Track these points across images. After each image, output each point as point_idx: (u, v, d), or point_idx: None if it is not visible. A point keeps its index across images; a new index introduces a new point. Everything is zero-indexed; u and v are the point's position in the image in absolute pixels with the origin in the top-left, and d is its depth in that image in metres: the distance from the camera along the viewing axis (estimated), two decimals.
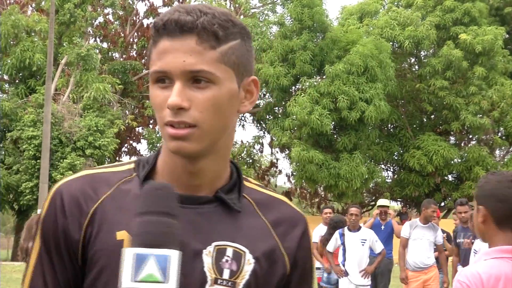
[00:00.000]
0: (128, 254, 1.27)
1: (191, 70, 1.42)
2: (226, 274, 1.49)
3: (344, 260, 10.57)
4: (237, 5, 32.54)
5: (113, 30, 34.90)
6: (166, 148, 1.51)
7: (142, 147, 64.09)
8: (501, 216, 2.70)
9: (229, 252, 1.50)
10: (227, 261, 1.49)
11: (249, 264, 1.51)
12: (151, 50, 1.48)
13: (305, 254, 1.60)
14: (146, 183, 1.50)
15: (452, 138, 32.15)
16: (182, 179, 1.52)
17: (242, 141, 33.49)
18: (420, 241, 10.42)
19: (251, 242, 1.53)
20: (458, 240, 10.05)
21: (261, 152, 34.31)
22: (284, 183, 39.07)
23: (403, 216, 26.20)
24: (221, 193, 1.54)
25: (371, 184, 30.88)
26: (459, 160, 29.59)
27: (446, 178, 30.27)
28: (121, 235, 1.48)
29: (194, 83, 1.44)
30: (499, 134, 31.51)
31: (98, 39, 34.78)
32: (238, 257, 1.50)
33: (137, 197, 1.48)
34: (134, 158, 1.65)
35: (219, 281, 1.48)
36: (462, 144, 31.87)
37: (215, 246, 1.50)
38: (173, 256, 1.29)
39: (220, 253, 1.49)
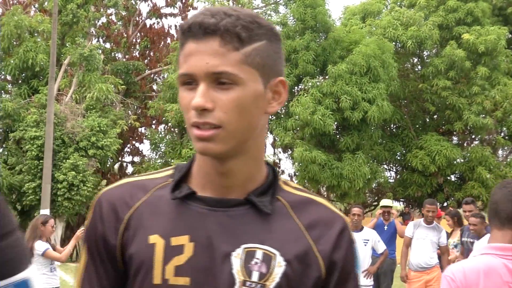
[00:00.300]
0: None
1: (214, 71, 1.44)
2: (255, 277, 1.49)
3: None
4: (239, 5, 32.54)
5: (116, 30, 34.91)
6: (195, 150, 1.54)
7: (145, 148, 64.25)
8: (490, 214, 2.77)
9: (259, 254, 1.50)
10: (256, 263, 1.50)
11: (279, 267, 1.50)
12: (179, 53, 1.52)
13: (343, 255, 1.58)
14: (180, 186, 1.56)
15: (455, 138, 32.11)
16: (214, 180, 1.55)
17: None
18: (422, 241, 10.42)
19: (282, 244, 1.53)
20: (463, 239, 10.05)
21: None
22: None
23: (405, 216, 26.19)
24: (253, 195, 1.55)
25: (374, 184, 30.85)
26: (462, 160, 29.54)
27: (448, 178, 30.22)
28: (153, 239, 1.54)
29: (218, 84, 1.45)
30: (502, 134, 31.47)
31: (101, 40, 34.82)
32: (268, 259, 1.51)
33: (169, 201, 1.56)
34: (174, 164, 1.70)
35: (247, 284, 1.49)
36: (465, 144, 31.83)
37: (244, 248, 1.51)
38: (30, 276, 1.30)
39: (249, 255, 1.50)
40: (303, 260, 1.53)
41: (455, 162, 29.18)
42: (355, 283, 1.63)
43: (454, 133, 31.34)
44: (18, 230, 1.64)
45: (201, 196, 1.56)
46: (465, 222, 10.72)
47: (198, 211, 1.55)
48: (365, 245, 10.45)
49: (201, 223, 1.53)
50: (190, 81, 1.48)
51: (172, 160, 27.01)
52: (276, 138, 29.64)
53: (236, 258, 1.50)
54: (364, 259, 10.47)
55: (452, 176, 30.62)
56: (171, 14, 36.38)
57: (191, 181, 1.59)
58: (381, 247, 10.59)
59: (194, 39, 1.46)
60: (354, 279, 1.62)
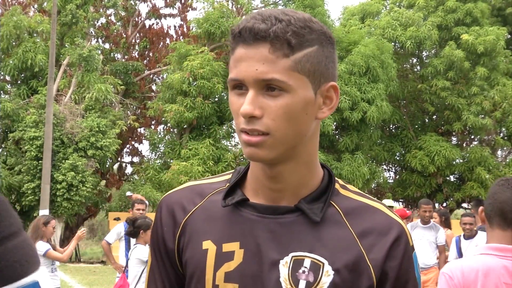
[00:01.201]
0: None
1: (264, 78, 1.42)
2: (302, 285, 1.48)
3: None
4: (239, 6, 32.52)
5: (115, 31, 34.90)
6: (243, 149, 1.54)
7: (144, 148, 64.29)
8: (488, 213, 2.74)
9: (307, 263, 1.49)
10: (304, 272, 1.48)
11: (327, 276, 1.48)
12: (230, 57, 1.50)
13: (397, 264, 1.53)
14: (235, 191, 1.58)
15: (454, 138, 32.14)
16: (265, 186, 1.55)
17: None
18: (419, 241, 10.39)
19: (332, 253, 1.50)
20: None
21: None
22: None
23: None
24: (303, 202, 1.53)
25: (373, 185, 30.85)
26: (461, 161, 29.57)
27: (448, 178, 30.24)
28: (207, 244, 1.56)
29: (267, 91, 1.44)
30: (501, 134, 31.51)
31: (100, 40, 34.80)
32: (316, 268, 1.49)
33: (223, 208, 1.58)
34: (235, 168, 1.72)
35: None
36: (464, 145, 31.86)
37: (292, 256, 1.49)
38: (38, 278, 1.29)
39: (297, 264, 1.49)
40: (353, 269, 1.50)
41: (454, 162, 29.20)
42: None
43: (453, 133, 31.36)
44: (23, 231, 1.62)
45: (253, 202, 1.56)
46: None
47: (249, 217, 1.54)
48: None
49: (251, 230, 1.53)
50: (240, 85, 1.47)
51: (171, 161, 27.02)
52: None
53: (284, 267, 1.49)
54: None
55: (451, 177, 30.65)
56: (170, 15, 36.40)
57: (246, 186, 1.60)
58: None
59: (244, 44, 1.45)
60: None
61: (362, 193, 1.65)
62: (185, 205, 1.62)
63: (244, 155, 1.51)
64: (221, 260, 1.53)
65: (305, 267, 1.49)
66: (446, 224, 11.67)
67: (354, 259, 1.51)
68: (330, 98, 1.54)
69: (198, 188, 1.65)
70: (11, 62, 27.72)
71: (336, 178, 1.64)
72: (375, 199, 1.63)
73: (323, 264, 1.49)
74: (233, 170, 1.68)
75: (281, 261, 1.49)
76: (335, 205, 1.57)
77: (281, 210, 1.53)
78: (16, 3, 31.76)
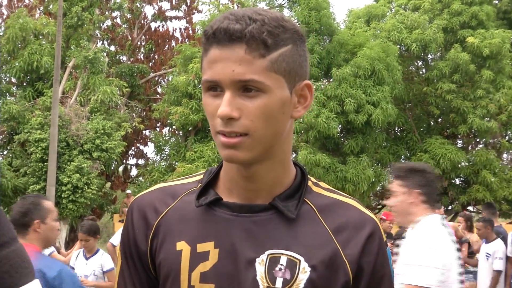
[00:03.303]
0: None
1: (241, 79, 1.42)
2: (279, 283, 1.48)
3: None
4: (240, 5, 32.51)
5: (120, 33, 34.94)
6: (219, 152, 1.53)
7: (149, 150, 64.33)
8: None
9: (283, 260, 1.49)
10: (280, 269, 1.48)
11: (304, 273, 1.48)
12: (203, 58, 1.49)
13: (372, 259, 1.54)
14: (207, 192, 1.57)
15: (459, 141, 32.08)
16: (239, 186, 1.55)
17: None
18: None
19: (307, 250, 1.50)
20: None
21: None
22: None
23: None
24: (278, 200, 1.53)
25: (378, 188, 30.81)
26: (467, 164, 29.51)
27: (453, 181, 30.18)
28: (180, 245, 1.55)
29: (244, 92, 1.44)
30: (507, 137, 31.44)
31: (105, 42, 34.84)
32: (292, 265, 1.49)
33: (196, 208, 1.57)
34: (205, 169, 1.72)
35: None
36: (470, 148, 31.79)
37: (268, 254, 1.49)
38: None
39: (273, 261, 1.49)
40: (329, 265, 1.50)
41: (459, 165, 29.14)
42: (389, 287, 1.59)
43: (459, 136, 31.31)
44: (16, 241, 1.53)
45: (227, 202, 1.55)
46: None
47: (223, 217, 1.54)
48: None
49: (226, 229, 1.52)
50: (215, 87, 1.45)
51: (176, 163, 27.02)
52: None
53: (260, 265, 1.48)
54: None
55: (457, 180, 30.59)
56: (176, 17, 36.40)
57: (219, 186, 1.59)
58: None
59: (218, 45, 1.43)
60: (388, 284, 1.59)
61: (334, 190, 1.65)
62: (157, 206, 1.60)
63: (222, 157, 1.49)
64: (196, 260, 1.52)
65: (282, 265, 1.48)
66: (470, 229, 11.52)
67: (330, 255, 1.51)
68: (305, 96, 1.54)
69: (170, 189, 1.63)
70: (16, 64, 27.77)
71: (308, 176, 1.63)
72: (347, 195, 1.64)
73: (300, 261, 1.49)
74: (204, 171, 1.67)
75: (257, 259, 1.49)
76: (309, 202, 1.57)
77: (256, 208, 1.53)
78: (22, 6, 31.82)
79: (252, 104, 1.43)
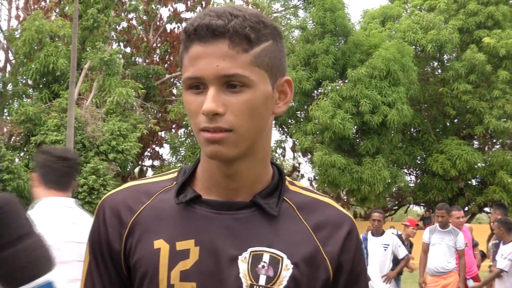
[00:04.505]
0: None
1: (225, 74, 1.41)
2: (262, 280, 1.47)
3: (367, 264, 10.50)
4: (259, 9, 32.55)
5: (136, 35, 35.07)
6: (204, 154, 1.52)
7: (165, 152, 64.46)
8: None
9: (266, 257, 1.48)
10: (263, 267, 1.48)
11: (287, 270, 1.48)
12: (183, 56, 1.48)
13: (351, 257, 1.56)
14: (185, 190, 1.54)
15: (475, 142, 31.95)
16: (219, 183, 1.53)
17: None
18: (438, 245, 10.33)
19: (289, 247, 1.50)
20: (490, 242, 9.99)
21: (283, 156, 34.31)
22: None
23: (426, 221, 26.08)
24: (259, 197, 1.53)
25: (394, 189, 30.75)
26: (483, 165, 29.39)
27: (469, 182, 30.07)
28: (158, 243, 1.51)
29: (228, 87, 1.43)
30: None
31: (121, 44, 34.98)
32: (275, 262, 1.48)
33: (173, 205, 1.53)
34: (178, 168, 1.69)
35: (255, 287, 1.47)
36: (486, 148, 31.66)
37: (250, 252, 1.48)
38: (53, 278, 1.28)
39: (256, 259, 1.48)
40: (311, 263, 1.51)
41: (476, 166, 29.03)
42: (364, 284, 1.61)
43: (475, 137, 31.18)
44: (35, 233, 1.60)
45: (207, 199, 1.53)
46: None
47: (203, 214, 1.52)
48: (385, 249, 10.41)
49: (207, 227, 1.50)
50: (197, 84, 1.44)
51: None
52: (296, 142, 29.62)
53: (243, 262, 1.47)
54: (384, 264, 10.43)
55: (473, 181, 30.47)
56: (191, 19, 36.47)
57: (196, 184, 1.57)
58: (402, 252, 10.54)
59: (200, 42, 1.43)
60: (364, 281, 1.61)
61: (310, 188, 1.65)
62: (131, 205, 1.56)
63: (206, 154, 1.48)
64: (175, 259, 1.49)
65: (265, 262, 1.48)
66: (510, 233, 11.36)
67: (311, 252, 1.51)
68: (285, 92, 1.54)
69: (144, 187, 1.60)
70: (33, 66, 27.93)
71: (285, 175, 1.63)
72: (322, 194, 1.64)
73: (282, 258, 1.49)
74: (177, 169, 1.64)
75: (239, 256, 1.47)
76: (288, 200, 1.57)
77: (237, 205, 1.52)
78: (38, 8, 32.00)
79: (237, 99, 1.42)
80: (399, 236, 12.11)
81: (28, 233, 1.57)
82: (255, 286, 1.47)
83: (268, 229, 1.51)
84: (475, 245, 12.10)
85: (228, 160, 1.47)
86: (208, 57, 1.42)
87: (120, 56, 30.47)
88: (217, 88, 1.42)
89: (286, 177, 1.62)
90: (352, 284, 1.57)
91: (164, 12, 56.44)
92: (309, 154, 30.78)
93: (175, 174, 1.63)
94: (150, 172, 35.65)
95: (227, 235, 1.48)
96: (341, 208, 1.61)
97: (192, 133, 30.34)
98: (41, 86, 29.19)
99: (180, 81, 30.60)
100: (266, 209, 1.52)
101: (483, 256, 12.34)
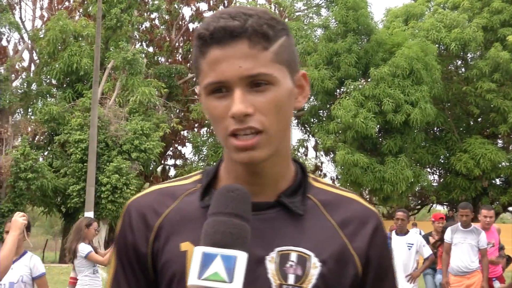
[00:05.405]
0: (197, 253, 1.29)
1: (249, 74, 1.40)
2: (291, 280, 1.46)
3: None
4: (281, 8, 32.54)
5: (159, 34, 35.20)
6: (228, 155, 1.51)
7: (187, 151, 64.59)
8: None
9: (293, 257, 1.47)
10: (291, 266, 1.46)
11: (315, 268, 1.47)
12: (199, 61, 1.45)
13: (378, 252, 1.54)
14: (209, 192, 1.53)
15: (499, 141, 31.71)
16: (245, 183, 1.49)
17: None
18: (461, 245, 10.25)
19: (316, 245, 1.49)
20: None
21: (306, 155, 34.27)
22: None
23: (449, 220, 25.91)
24: (283, 197, 1.52)
25: (417, 188, 30.59)
26: (507, 164, 29.15)
27: (493, 181, 29.85)
28: (185, 246, 1.50)
29: (253, 87, 1.41)
30: None
31: (144, 44, 35.12)
32: (303, 261, 1.47)
33: (199, 208, 1.52)
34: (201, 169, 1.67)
35: (284, 287, 1.46)
36: (510, 148, 31.40)
37: (278, 251, 1.47)
38: (240, 257, 1.28)
39: (283, 258, 1.47)
40: (339, 259, 1.49)
41: (500, 165, 28.80)
42: (393, 279, 1.59)
43: (499, 136, 30.94)
44: None
45: None
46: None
47: None
48: (409, 249, 10.36)
49: None
50: (220, 88, 1.42)
51: (214, 163, 27.12)
52: (318, 141, 29.57)
53: (271, 262, 1.46)
54: (408, 263, 10.39)
55: (497, 180, 30.24)
56: None
57: (220, 186, 1.55)
58: (427, 252, 10.49)
59: (219, 45, 1.41)
60: (392, 276, 1.59)
61: (334, 185, 1.64)
62: (156, 208, 1.56)
63: (237, 161, 1.45)
64: None
65: (292, 261, 1.47)
66: None
67: (338, 249, 1.50)
68: (302, 86, 1.53)
69: (168, 190, 1.60)
70: (57, 66, 28.15)
71: (307, 171, 1.61)
72: (348, 190, 1.62)
73: (310, 256, 1.48)
74: (201, 171, 1.64)
75: (267, 257, 1.46)
76: (312, 198, 1.56)
77: (262, 206, 1.50)
78: (62, 8, 32.22)
79: (264, 98, 1.41)
80: (424, 236, 12.07)
81: None
82: (284, 286, 1.46)
83: (294, 228, 1.51)
84: (501, 248, 11.99)
85: (262, 162, 1.46)
86: (229, 59, 1.40)
87: (143, 55, 30.60)
88: (243, 89, 1.40)
89: (310, 173, 1.62)
90: (381, 279, 1.56)
91: (187, 11, 56.60)
92: (331, 153, 30.71)
93: (199, 176, 1.62)
94: (172, 171, 35.78)
95: (254, 236, 1.47)
96: (367, 203, 1.61)
97: (213, 132, 30.38)
98: (64, 85, 29.40)
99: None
100: (291, 208, 1.51)
101: (509, 260, 12.22)
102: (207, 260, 1.28)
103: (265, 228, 1.50)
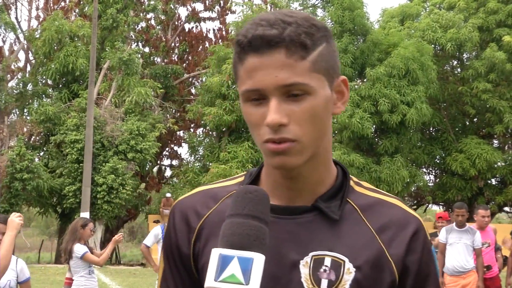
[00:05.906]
0: (214, 255, 1.29)
1: (285, 84, 1.39)
2: (324, 285, 1.46)
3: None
4: (277, 9, 32.52)
5: (154, 34, 35.18)
6: (269, 164, 1.51)
7: (183, 151, 64.54)
8: None
9: (327, 261, 1.47)
10: (325, 271, 1.46)
11: (349, 273, 1.47)
12: (238, 67, 1.46)
13: (417, 258, 1.52)
14: None
15: (495, 141, 31.75)
16: (282, 188, 1.52)
17: None
18: (456, 245, 10.25)
19: (352, 250, 1.49)
20: None
21: None
22: None
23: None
24: (320, 201, 1.51)
25: (413, 188, 30.62)
26: (503, 164, 29.20)
27: (489, 182, 29.88)
28: None
29: (289, 96, 1.41)
30: None
31: (140, 44, 35.10)
32: (337, 266, 1.47)
33: None
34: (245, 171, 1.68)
35: None
36: (506, 148, 31.45)
37: (312, 256, 1.47)
38: (257, 259, 1.28)
39: (317, 263, 1.47)
40: (374, 265, 1.48)
41: (495, 165, 28.84)
42: (435, 287, 1.56)
43: (495, 136, 30.99)
44: None
45: (270, 204, 1.48)
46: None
47: None
48: None
49: (270, 231, 1.44)
50: (256, 97, 1.43)
51: (210, 164, 27.12)
52: None
53: (304, 267, 1.46)
54: None
55: (493, 180, 30.28)
56: (210, 18, 36.55)
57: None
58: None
59: (256, 53, 1.41)
60: (434, 283, 1.56)
61: (377, 189, 1.63)
62: (198, 209, 1.59)
63: (271, 165, 1.47)
64: None
65: (326, 266, 1.46)
66: None
67: (374, 255, 1.49)
68: (342, 92, 1.53)
69: (211, 192, 1.62)
70: (52, 66, 28.11)
71: (350, 176, 1.60)
72: (390, 194, 1.61)
73: (344, 262, 1.47)
74: (244, 173, 1.65)
75: (301, 261, 1.47)
76: (352, 202, 1.55)
77: (299, 210, 1.51)
78: (57, 8, 32.18)
79: (299, 108, 1.41)
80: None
81: None
82: None
83: (330, 233, 1.50)
84: (497, 249, 11.99)
85: (295, 168, 1.46)
86: (266, 68, 1.40)
87: (139, 55, 30.59)
88: (278, 98, 1.40)
89: (352, 177, 1.61)
90: (420, 286, 1.54)
91: (183, 11, 56.49)
92: None
93: (242, 178, 1.63)
94: (168, 172, 35.76)
95: (289, 239, 1.48)
96: (408, 208, 1.58)
97: (210, 132, 30.39)
98: (60, 86, 29.37)
99: (199, 81, 30.74)
100: (327, 213, 1.51)
101: (506, 261, 12.22)
102: (224, 262, 1.28)
103: (301, 232, 1.50)
